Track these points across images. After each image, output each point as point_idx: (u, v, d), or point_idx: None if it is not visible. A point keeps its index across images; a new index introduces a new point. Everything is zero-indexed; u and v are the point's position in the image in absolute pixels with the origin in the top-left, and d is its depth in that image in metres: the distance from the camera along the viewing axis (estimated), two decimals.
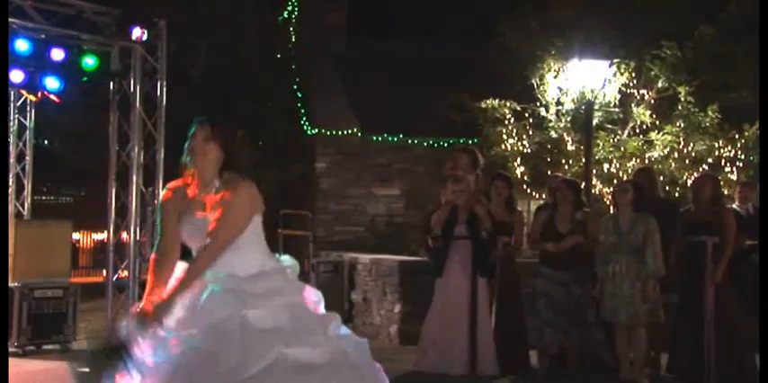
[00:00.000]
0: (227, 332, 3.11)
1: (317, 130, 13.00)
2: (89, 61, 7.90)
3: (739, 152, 11.01)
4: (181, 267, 3.44)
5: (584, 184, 8.99)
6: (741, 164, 11.02)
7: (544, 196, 10.82)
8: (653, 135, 11.20)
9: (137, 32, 8.11)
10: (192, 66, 12.89)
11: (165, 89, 8.51)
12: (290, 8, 14.16)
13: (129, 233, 8.44)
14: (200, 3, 12.25)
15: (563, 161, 11.31)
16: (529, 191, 11.11)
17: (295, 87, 13.44)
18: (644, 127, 11.33)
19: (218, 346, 3.08)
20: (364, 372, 3.34)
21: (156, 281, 3.41)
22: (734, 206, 8.34)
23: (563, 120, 11.36)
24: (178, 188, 3.57)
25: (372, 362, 3.45)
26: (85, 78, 8.10)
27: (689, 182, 10.85)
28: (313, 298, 3.49)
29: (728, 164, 11.01)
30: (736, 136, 11.00)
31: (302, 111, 13.20)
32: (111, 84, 8.50)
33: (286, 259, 3.56)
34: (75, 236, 18.02)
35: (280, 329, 3.19)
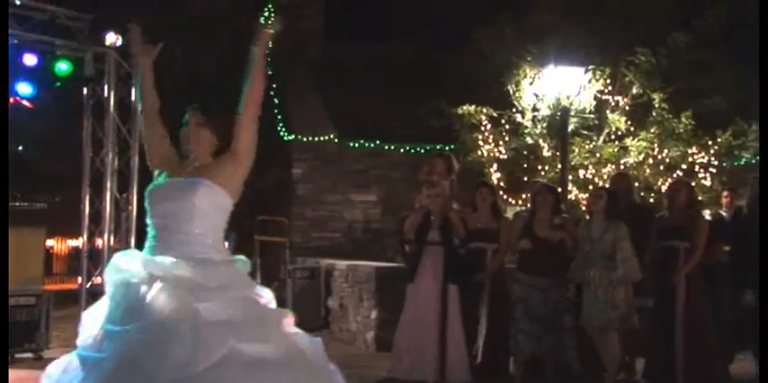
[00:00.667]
0: (178, 325, 3.02)
1: (293, 136, 12.97)
2: (62, 66, 7.87)
3: (712, 158, 11.09)
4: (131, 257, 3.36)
5: (560, 190, 9.02)
6: (714, 170, 11.11)
7: (520, 202, 10.90)
8: (628, 141, 11.27)
9: (111, 38, 8.09)
10: (167, 72, 12.82)
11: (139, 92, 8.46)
12: (266, 14, 14.11)
13: (103, 239, 8.38)
14: (175, 8, 12.19)
15: (539, 167, 11.35)
16: (505, 197, 11.13)
17: (272, 93, 13.39)
18: (619, 133, 11.39)
19: (167, 340, 2.99)
20: (318, 369, 3.28)
21: None
22: (721, 211, 8.43)
23: (539, 127, 11.40)
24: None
25: (327, 362, 3.39)
26: (59, 83, 8.07)
27: (663, 187, 10.95)
28: (264, 295, 3.41)
29: (702, 170, 11.09)
30: (710, 142, 11.08)
31: (279, 116, 13.16)
32: (85, 89, 8.46)
33: (238, 257, 3.49)
34: (50, 242, 17.83)
35: (232, 323, 3.10)
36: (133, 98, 8.40)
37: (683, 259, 6.51)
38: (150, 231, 3.41)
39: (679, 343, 6.42)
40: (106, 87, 8.31)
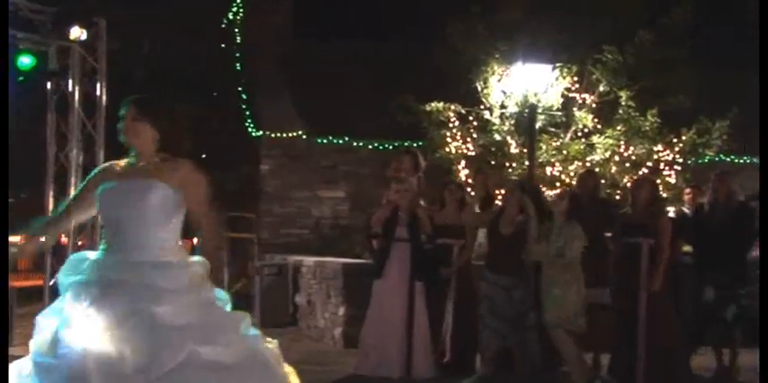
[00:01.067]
0: (133, 330, 2.98)
1: (261, 132, 12.92)
2: (25, 60, 7.76)
3: (677, 156, 11.21)
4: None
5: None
6: (679, 168, 11.23)
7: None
8: (594, 138, 11.35)
9: (75, 32, 7.98)
10: (136, 67, 12.72)
11: (105, 89, 8.38)
12: (234, 9, 14.05)
13: (68, 236, 8.30)
14: (143, 2, 12.09)
15: (506, 164, 11.40)
16: (473, 193, 11.16)
17: (240, 89, 13.33)
18: (586, 130, 11.47)
19: (123, 345, 2.95)
20: (275, 373, 3.27)
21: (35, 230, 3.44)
22: (683, 208, 8.51)
23: (507, 124, 11.45)
24: (109, 165, 3.55)
25: (282, 365, 3.38)
26: (22, 78, 7.95)
27: (629, 184, 11.06)
28: (220, 297, 3.37)
29: (667, 168, 11.21)
30: (674, 140, 11.20)
31: (247, 112, 13.10)
32: (49, 84, 8.35)
33: (195, 258, 3.42)
34: (15, 239, 17.59)
35: (190, 326, 3.07)
36: (98, 93, 8.32)
37: (646, 256, 6.56)
38: (104, 234, 3.35)
39: (641, 343, 6.45)
40: (71, 82, 8.21)
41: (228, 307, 3.39)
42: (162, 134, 3.41)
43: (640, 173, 11.00)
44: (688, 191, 8.60)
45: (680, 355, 6.61)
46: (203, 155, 15.03)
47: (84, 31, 7.95)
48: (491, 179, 8.90)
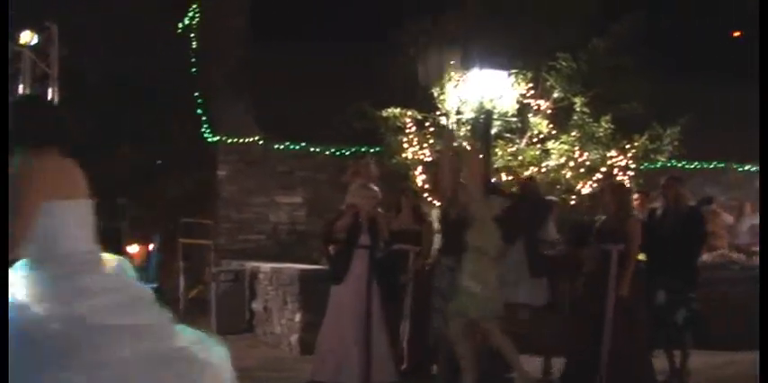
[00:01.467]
0: (54, 332, 2.89)
1: (218, 138, 12.86)
2: None
3: (630, 161, 11.38)
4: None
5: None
6: (633, 173, 11.39)
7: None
8: (550, 144, 11.47)
9: (26, 36, 7.89)
10: (89, 71, 12.58)
11: (57, 94, 8.29)
12: (191, 14, 13.96)
13: None
14: (97, 7, 11.97)
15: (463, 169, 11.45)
16: (429, 199, 11.22)
17: (196, 94, 13.25)
18: (541, 136, 11.59)
19: (53, 351, 2.86)
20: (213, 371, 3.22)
21: None
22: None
23: (463, 129, 11.53)
24: None
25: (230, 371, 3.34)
26: None
27: (583, 190, 11.22)
28: (146, 295, 3.27)
29: (620, 173, 11.36)
30: (627, 146, 11.37)
31: (203, 117, 13.03)
32: None
33: (116, 257, 3.31)
34: None
35: (120, 327, 2.99)
36: (50, 97, 8.23)
37: (614, 262, 6.60)
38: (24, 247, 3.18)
39: (605, 348, 6.49)
40: (21, 87, 8.10)
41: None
42: None
43: (594, 178, 11.16)
44: (636, 196, 8.73)
45: (644, 361, 6.69)
46: (159, 161, 14.95)
47: (36, 36, 7.86)
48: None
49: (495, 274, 6.49)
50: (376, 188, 7.34)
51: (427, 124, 11.70)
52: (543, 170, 11.23)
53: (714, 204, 10.52)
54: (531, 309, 7.26)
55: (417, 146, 11.57)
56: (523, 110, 11.57)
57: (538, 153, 11.44)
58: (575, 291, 7.12)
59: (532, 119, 11.55)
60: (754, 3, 6.96)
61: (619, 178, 11.25)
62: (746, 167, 14.16)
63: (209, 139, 12.89)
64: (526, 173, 10.79)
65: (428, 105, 11.67)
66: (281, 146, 13.01)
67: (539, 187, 8.15)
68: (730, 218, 10.90)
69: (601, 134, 11.32)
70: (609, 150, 11.39)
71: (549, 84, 11.49)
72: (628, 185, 11.01)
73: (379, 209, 7.37)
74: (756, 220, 10.72)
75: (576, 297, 7.08)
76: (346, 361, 6.85)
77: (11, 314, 2.96)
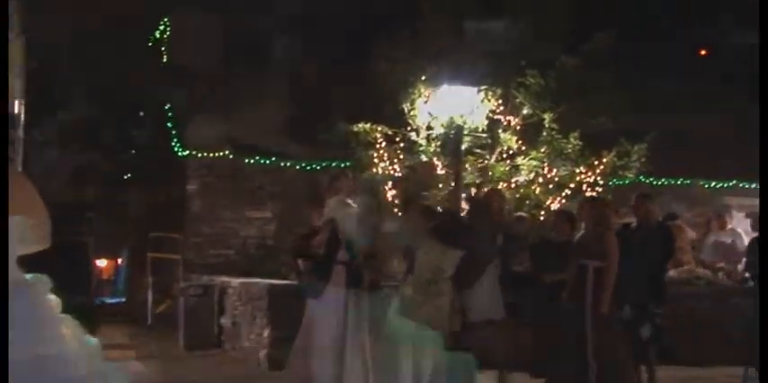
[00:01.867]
0: None
1: (188, 152, 12.81)
2: None
3: (599, 177, 11.48)
4: None
5: None
6: (601, 189, 11.49)
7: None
8: (519, 160, 11.55)
9: None
10: (56, 84, 12.51)
11: (24, 107, 8.23)
12: (161, 27, 13.94)
13: None
14: (65, 19, 11.92)
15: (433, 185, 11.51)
16: (399, 214, 11.24)
17: (166, 107, 13.20)
18: (510, 152, 11.66)
19: None
20: None
21: None
22: None
23: (433, 145, 11.58)
24: None
25: None
26: None
27: (552, 206, 11.30)
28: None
29: (589, 189, 11.46)
30: (596, 162, 11.48)
31: (173, 132, 12.98)
32: None
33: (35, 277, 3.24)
34: None
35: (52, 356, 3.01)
36: (17, 111, 8.16)
37: (591, 278, 6.59)
38: None
39: (591, 364, 6.48)
40: None
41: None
42: None
43: (563, 194, 11.24)
44: None
45: (628, 378, 6.72)
46: (127, 175, 14.86)
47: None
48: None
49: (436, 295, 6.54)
50: (354, 204, 7.31)
51: (398, 139, 11.74)
52: (513, 186, 11.30)
53: (679, 220, 10.63)
54: (488, 323, 7.23)
55: (388, 162, 11.60)
56: (493, 125, 11.65)
57: (507, 169, 11.52)
58: (539, 306, 7.14)
59: (502, 134, 11.63)
60: (727, 18, 7.09)
61: (587, 194, 11.35)
62: (713, 184, 14.35)
63: (179, 153, 12.83)
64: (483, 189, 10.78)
65: (399, 120, 11.72)
66: (251, 161, 12.98)
67: (494, 203, 7.94)
68: (693, 234, 11.03)
69: (569, 150, 11.43)
70: (578, 166, 11.49)
71: (518, 100, 11.59)
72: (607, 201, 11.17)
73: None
74: (722, 237, 10.86)
75: (541, 311, 7.11)
76: (320, 378, 6.77)
77: None
